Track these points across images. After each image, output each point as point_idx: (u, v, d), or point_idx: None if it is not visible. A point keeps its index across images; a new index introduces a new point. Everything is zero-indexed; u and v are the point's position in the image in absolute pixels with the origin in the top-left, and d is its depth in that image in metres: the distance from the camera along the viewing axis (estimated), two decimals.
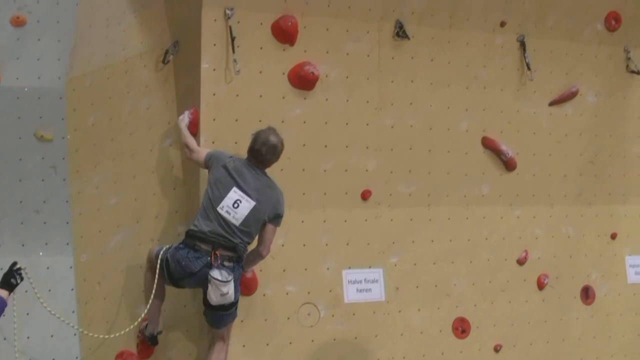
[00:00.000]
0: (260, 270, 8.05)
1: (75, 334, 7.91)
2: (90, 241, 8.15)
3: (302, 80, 8.36)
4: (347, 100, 8.62)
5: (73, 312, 7.96)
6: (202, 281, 7.39)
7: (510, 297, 9.30)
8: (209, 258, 7.35)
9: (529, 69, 9.43)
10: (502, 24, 9.28)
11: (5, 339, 7.47)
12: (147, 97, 8.35)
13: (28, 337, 7.71)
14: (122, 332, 7.65)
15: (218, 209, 7.43)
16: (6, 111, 7.97)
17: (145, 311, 7.66)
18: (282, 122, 8.20)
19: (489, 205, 9.27)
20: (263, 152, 7.56)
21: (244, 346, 8.14)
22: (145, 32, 8.40)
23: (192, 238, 7.45)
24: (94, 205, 8.18)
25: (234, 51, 8.04)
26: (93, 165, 8.21)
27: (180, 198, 8.30)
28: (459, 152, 9.12)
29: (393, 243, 8.79)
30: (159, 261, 7.53)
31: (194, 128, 7.96)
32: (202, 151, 7.76)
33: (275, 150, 7.60)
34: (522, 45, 9.41)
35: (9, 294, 6.91)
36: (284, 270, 8.26)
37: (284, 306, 8.29)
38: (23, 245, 7.96)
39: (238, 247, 7.44)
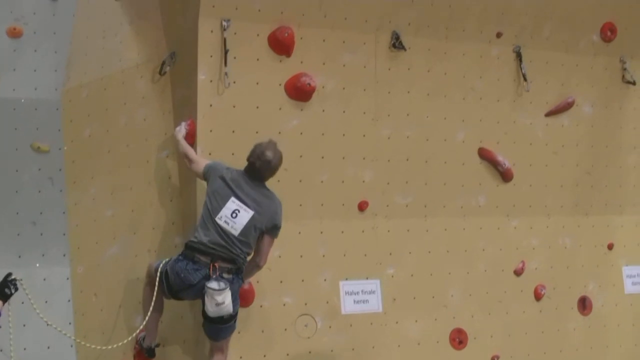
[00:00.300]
0: (257, 282, 8.04)
1: (71, 345, 7.89)
2: (86, 252, 8.14)
3: (299, 92, 8.37)
4: (344, 112, 8.62)
5: (70, 323, 7.95)
6: (200, 293, 7.37)
7: (507, 308, 9.29)
8: (208, 270, 7.34)
9: (525, 79, 9.45)
10: (498, 35, 9.30)
11: (1, 350, 7.44)
12: (143, 108, 8.35)
13: (25, 349, 7.69)
14: (120, 344, 7.61)
15: (216, 219, 7.42)
16: (2, 122, 7.98)
17: (144, 323, 7.62)
18: (279, 133, 8.20)
19: (486, 216, 9.27)
20: (257, 166, 7.55)
21: (241, 357, 8.13)
22: (142, 43, 8.41)
23: (191, 250, 7.43)
24: (90, 217, 8.17)
25: (225, 64, 8.04)
26: (90, 177, 8.20)
27: (177, 209, 8.29)
28: (455, 163, 9.12)
29: (390, 254, 8.79)
30: (158, 274, 7.50)
31: (190, 139, 7.96)
32: (201, 162, 7.75)
33: (269, 166, 7.56)
34: (518, 56, 9.43)
35: (3, 305, 6.90)
36: (281, 282, 8.25)
37: (281, 317, 8.27)
38: (19, 257, 7.95)
39: (237, 259, 7.43)
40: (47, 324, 7.39)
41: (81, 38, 8.28)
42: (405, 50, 8.83)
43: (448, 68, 9.09)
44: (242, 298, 7.95)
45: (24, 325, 7.62)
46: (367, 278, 8.66)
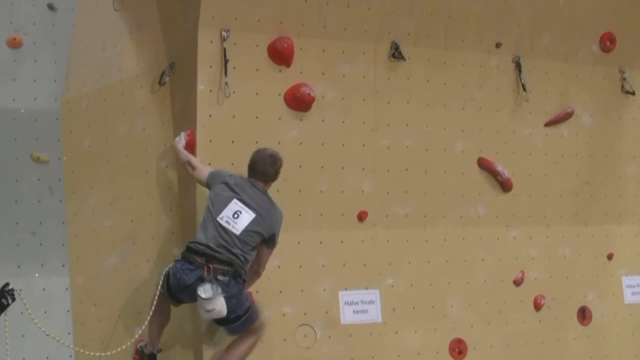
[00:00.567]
0: (257, 292, 8.02)
1: (70, 356, 7.88)
2: (86, 263, 8.13)
3: (298, 102, 8.37)
4: (343, 122, 8.63)
5: (69, 333, 7.94)
6: (193, 296, 7.36)
7: (506, 318, 9.28)
8: (202, 271, 7.32)
9: (524, 89, 9.45)
10: (498, 45, 9.31)
11: None
12: (143, 118, 8.36)
13: (24, 359, 7.68)
14: (119, 349, 7.53)
15: (218, 219, 7.39)
16: (2, 132, 7.98)
17: (145, 323, 7.53)
18: (279, 143, 8.20)
19: (485, 226, 9.27)
20: (261, 163, 7.59)
21: None
22: (141, 53, 8.42)
23: (189, 251, 7.40)
24: (90, 227, 8.17)
25: (226, 74, 8.05)
26: (89, 187, 8.20)
27: (177, 219, 8.29)
28: (455, 172, 9.13)
29: (389, 264, 8.78)
30: (162, 277, 7.47)
31: (190, 149, 7.96)
32: (204, 170, 7.74)
33: (274, 159, 7.62)
34: (518, 66, 9.44)
35: (0, 315, 6.89)
36: (280, 292, 8.24)
37: (280, 327, 8.26)
38: (19, 267, 7.95)
39: (234, 261, 7.36)
40: (45, 333, 7.37)
41: (81, 48, 8.29)
42: (404, 60, 8.84)
43: (447, 78, 9.10)
44: None
45: (23, 336, 7.61)
46: (366, 288, 8.65)
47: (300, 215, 8.35)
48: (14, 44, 8.10)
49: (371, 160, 8.73)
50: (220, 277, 7.31)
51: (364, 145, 8.71)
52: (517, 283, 9.39)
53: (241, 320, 7.47)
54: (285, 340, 8.29)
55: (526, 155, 9.54)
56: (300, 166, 8.41)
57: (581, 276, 9.77)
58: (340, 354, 8.51)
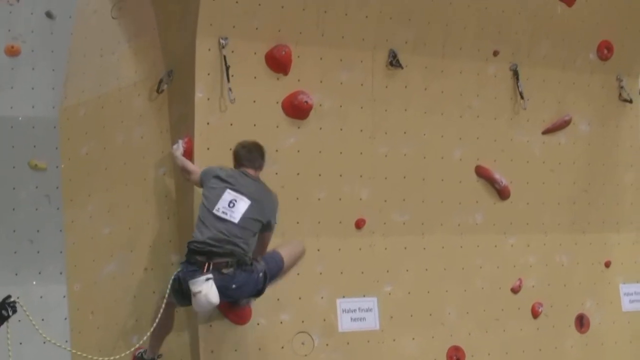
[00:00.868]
0: (255, 300, 8.02)
1: None
2: (83, 270, 8.14)
3: (296, 109, 8.38)
4: (341, 129, 8.63)
5: (66, 341, 7.94)
6: None
7: (504, 326, 9.27)
8: (203, 269, 7.22)
9: (522, 97, 9.47)
10: (495, 53, 9.33)
11: None
12: (141, 126, 8.37)
13: None
14: (122, 355, 7.49)
15: (214, 211, 7.35)
16: (0, 140, 7.99)
17: (148, 334, 7.53)
18: (276, 151, 8.21)
19: (483, 233, 9.27)
20: (248, 151, 7.62)
21: None
22: (140, 61, 8.44)
23: (190, 252, 7.34)
24: (87, 235, 8.18)
25: (228, 80, 8.06)
26: (87, 195, 8.21)
27: (174, 227, 8.29)
28: (452, 180, 9.13)
29: (387, 272, 8.78)
30: (170, 282, 7.38)
31: (188, 157, 7.95)
32: (197, 172, 7.74)
33: (260, 147, 7.67)
34: (515, 74, 9.45)
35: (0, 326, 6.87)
36: (277, 299, 8.23)
37: (278, 335, 8.25)
38: (16, 274, 7.96)
39: (235, 251, 7.28)
40: (47, 340, 7.30)
41: (79, 56, 8.32)
42: (402, 68, 8.85)
43: (445, 86, 9.11)
44: (239, 316, 7.96)
45: (21, 344, 7.60)
46: (364, 296, 8.64)
47: (297, 222, 8.35)
48: (12, 52, 8.13)
49: (369, 168, 8.73)
50: (224, 271, 7.24)
51: (361, 153, 8.72)
52: (515, 291, 9.39)
53: (266, 286, 7.49)
54: (282, 348, 8.28)
55: (524, 163, 9.55)
56: (298, 174, 8.41)
57: (579, 284, 9.77)
58: None
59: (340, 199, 8.61)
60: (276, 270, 7.58)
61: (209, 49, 8.04)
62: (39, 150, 8.13)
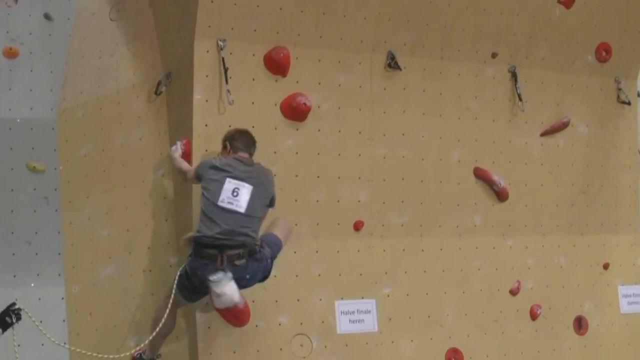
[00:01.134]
0: (253, 301, 8.01)
1: None
2: (82, 272, 8.14)
3: (295, 111, 8.38)
4: (340, 131, 8.63)
5: (65, 343, 7.91)
6: None
7: (503, 328, 9.27)
8: (216, 262, 7.24)
9: (520, 99, 9.47)
10: (494, 55, 9.34)
11: None
12: (139, 128, 8.36)
13: None
14: (122, 355, 7.48)
15: (219, 203, 7.33)
16: None
17: (154, 333, 7.53)
18: (275, 153, 8.22)
19: (482, 235, 9.27)
20: (240, 136, 7.66)
21: None
22: (138, 63, 8.44)
23: (198, 246, 7.33)
24: (85, 236, 8.17)
25: (227, 82, 8.06)
26: (85, 196, 8.21)
27: (173, 229, 8.28)
28: (451, 182, 9.13)
29: (385, 274, 8.78)
30: (177, 278, 7.38)
31: (186, 159, 7.95)
32: (191, 169, 7.75)
33: (249, 132, 7.71)
34: (514, 76, 9.46)
35: (2, 333, 6.84)
36: (276, 301, 8.23)
37: (276, 337, 8.25)
38: (14, 276, 7.96)
39: (246, 241, 7.31)
40: (52, 343, 7.27)
41: (77, 58, 8.32)
42: (400, 70, 8.86)
43: (443, 88, 9.12)
44: (237, 318, 7.95)
45: (19, 345, 7.56)
46: (362, 297, 8.64)
47: (296, 224, 8.33)
48: (10, 54, 8.13)
49: (367, 170, 8.73)
50: (237, 262, 7.26)
51: (360, 155, 8.72)
52: (514, 292, 9.38)
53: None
54: (281, 349, 8.27)
55: (522, 165, 9.55)
56: (296, 176, 8.41)
57: (577, 286, 9.77)
58: None
59: (338, 201, 8.61)
60: (277, 252, 7.68)
61: (207, 51, 8.05)
62: (37, 152, 8.12)
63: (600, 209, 9.99)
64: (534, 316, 9.44)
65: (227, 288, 7.14)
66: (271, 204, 7.68)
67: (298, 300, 8.37)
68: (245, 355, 8.11)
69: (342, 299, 8.56)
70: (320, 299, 8.47)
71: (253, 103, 8.22)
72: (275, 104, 8.35)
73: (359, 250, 8.68)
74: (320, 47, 8.53)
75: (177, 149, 7.95)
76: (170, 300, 7.40)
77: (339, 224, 8.60)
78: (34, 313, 7.55)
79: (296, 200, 8.39)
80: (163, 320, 7.37)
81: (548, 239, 9.65)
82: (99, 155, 8.26)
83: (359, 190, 8.70)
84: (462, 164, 9.23)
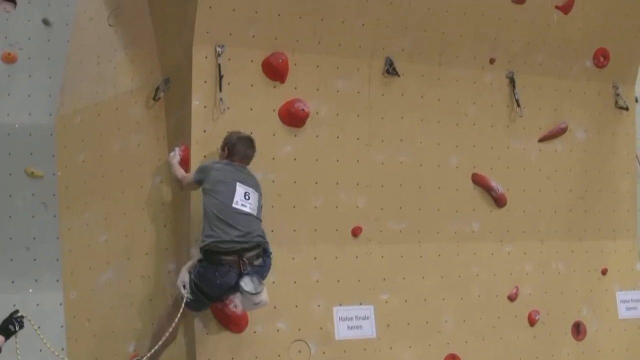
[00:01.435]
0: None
1: None
2: (80, 278, 8.14)
3: (293, 117, 8.38)
4: (338, 137, 8.63)
5: (62, 349, 7.94)
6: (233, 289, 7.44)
7: (501, 334, 9.27)
8: (238, 267, 7.31)
9: (518, 105, 9.48)
10: (492, 61, 9.34)
11: None
12: (137, 134, 8.36)
13: None
14: None
15: (233, 205, 7.38)
16: None
17: (162, 340, 7.54)
18: (273, 159, 8.22)
19: (480, 241, 9.27)
20: (242, 145, 7.67)
21: None
22: (136, 69, 8.44)
23: (213, 254, 7.34)
24: (84, 242, 8.18)
25: (220, 89, 8.06)
26: (83, 202, 8.21)
27: (171, 235, 8.28)
28: (449, 188, 9.13)
29: (384, 280, 8.77)
30: (185, 296, 7.40)
31: (184, 165, 7.96)
32: (189, 174, 7.77)
33: (252, 143, 7.73)
34: (512, 82, 9.46)
35: (5, 341, 6.83)
36: (274, 308, 8.21)
37: (274, 343, 8.24)
38: (13, 282, 7.96)
39: (261, 241, 7.47)
40: (53, 352, 7.27)
41: (75, 64, 8.32)
42: (398, 76, 8.86)
43: (441, 94, 9.12)
44: (235, 324, 7.95)
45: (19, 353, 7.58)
46: (360, 304, 8.63)
47: (294, 230, 8.35)
48: (9, 59, 8.14)
49: (365, 176, 8.73)
50: (256, 263, 7.41)
51: (358, 161, 8.72)
52: (512, 298, 9.38)
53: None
54: (279, 356, 8.26)
55: (520, 170, 9.55)
56: (294, 182, 8.41)
57: (575, 291, 9.77)
58: None
59: (336, 207, 8.60)
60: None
61: (206, 57, 8.05)
62: (36, 158, 8.13)
63: (598, 215, 10.00)
64: (532, 322, 9.44)
65: (264, 294, 7.37)
66: None
67: (296, 306, 8.36)
68: None
69: (340, 305, 8.56)
70: (319, 305, 8.46)
71: (251, 109, 8.22)
72: (274, 110, 8.35)
73: (357, 257, 8.68)
74: (319, 53, 8.53)
75: (176, 155, 7.95)
76: (179, 311, 7.42)
77: (337, 230, 8.60)
78: (32, 319, 7.57)
79: (294, 207, 8.39)
80: (170, 329, 7.43)
81: (546, 245, 9.65)
82: (97, 161, 8.26)
83: (357, 196, 8.70)
84: (460, 170, 9.23)
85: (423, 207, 9.00)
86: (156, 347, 7.44)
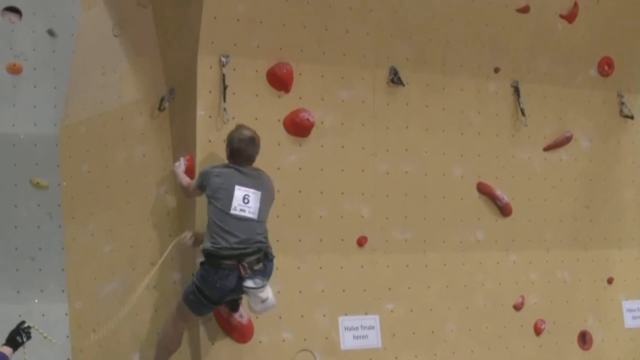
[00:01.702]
0: (257, 317, 7.99)
1: None
2: (85, 288, 8.13)
3: (298, 127, 8.39)
4: (343, 147, 8.64)
5: (68, 359, 7.92)
6: (241, 291, 7.42)
7: (507, 343, 9.25)
8: (238, 271, 7.29)
9: (523, 114, 9.47)
10: (496, 70, 9.35)
11: None
12: (142, 144, 8.37)
13: None
14: None
15: (231, 212, 7.36)
16: (2, 158, 8.03)
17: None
18: (278, 169, 8.21)
19: (485, 250, 9.26)
20: (243, 148, 7.54)
21: None
22: (141, 79, 8.45)
23: (213, 257, 7.34)
24: (89, 252, 8.18)
25: (224, 100, 8.06)
26: (88, 213, 8.21)
27: (176, 245, 8.26)
28: (454, 197, 9.12)
29: (389, 289, 8.76)
30: (185, 296, 7.46)
31: (189, 174, 7.95)
32: (192, 181, 7.75)
33: (254, 142, 7.59)
34: (516, 91, 9.47)
35: (13, 352, 6.83)
36: (280, 317, 8.21)
37: (280, 353, 8.23)
38: (18, 292, 7.96)
39: (261, 246, 7.42)
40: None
41: (80, 74, 8.33)
42: (403, 85, 8.87)
43: (446, 103, 9.12)
44: (241, 333, 7.94)
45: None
46: (366, 313, 8.63)
47: (299, 240, 8.35)
48: (14, 70, 8.15)
49: (370, 186, 8.73)
50: (256, 267, 7.36)
51: (363, 171, 8.72)
52: (517, 308, 9.37)
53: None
54: None
55: (525, 179, 9.54)
56: (299, 191, 8.41)
57: (581, 300, 9.75)
58: None
59: (341, 217, 8.60)
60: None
61: (211, 67, 8.06)
62: (41, 168, 8.14)
63: (603, 224, 9.98)
64: (538, 331, 9.42)
65: (269, 292, 7.34)
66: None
67: (302, 316, 8.35)
68: None
69: (345, 314, 8.55)
70: (324, 315, 8.45)
71: (256, 119, 8.22)
72: (279, 120, 8.36)
73: (362, 266, 8.67)
74: (323, 63, 8.54)
75: (181, 165, 7.95)
76: (183, 315, 7.43)
77: (342, 239, 8.60)
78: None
79: (299, 216, 8.39)
80: (173, 337, 7.51)
81: (552, 254, 9.63)
82: (102, 171, 8.27)
83: (362, 205, 8.69)
84: (465, 179, 9.22)
85: (428, 216, 8.99)
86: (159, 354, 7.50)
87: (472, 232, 9.22)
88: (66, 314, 8.07)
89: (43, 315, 7.95)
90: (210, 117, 8.05)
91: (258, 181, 7.56)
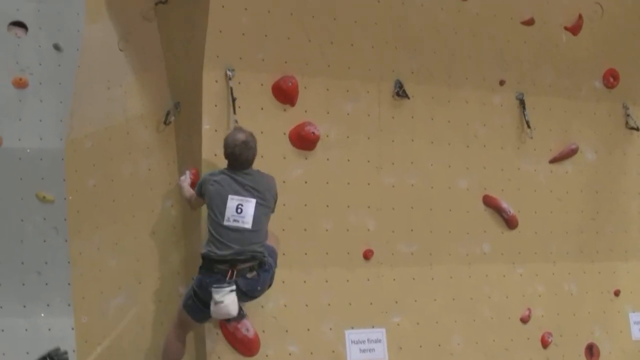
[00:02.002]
0: (263, 331, 8.00)
1: None
2: (91, 302, 8.13)
3: (303, 140, 8.39)
4: (348, 160, 8.63)
5: None
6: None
7: (514, 356, 9.22)
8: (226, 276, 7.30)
9: (528, 126, 9.47)
10: (501, 83, 9.35)
11: None
12: (148, 158, 8.38)
13: None
14: None
15: (225, 223, 7.34)
16: (8, 172, 8.04)
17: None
18: (284, 182, 8.20)
19: (491, 263, 9.24)
20: (237, 152, 7.48)
21: None
22: (147, 93, 8.47)
23: (208, 261, 7.35)
24: (95, 267, 8.18)
25: (234, 112, 8.08)
26: (94, 227, 8.22)
27: (182, 259, 8.27)
28: (460, 210, 9.11)
29: (395, 302, 8.74)
30: (184, 300, 7.48)
31: (194, 189, 7.95)
32: (195, 192, 7.74)
33: (248, 145, 7.50)
34: (521, 103, 9.46)
35: None
36: (286, 331, 8.20)
37: None
38: (24, 306, 7.96)
39: (256, 254, 7.38)
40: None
41: (86, 88, 8.35)
42: (408, 98, 8.87)
43: (451, 116, 9.12)
44: (247, 347, 7.93)
45: None
46: (372, 327, 8.61)
47: (305, 254, 8.34)
48: (20, 84, 8.17)
49: (376, 199, 8.72)
50: (249, 275, 7.36)
51: (368, 184, 8.71)
52: (524, 320, 9.34)
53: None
54: None
55: (531, 192, 9.53)
56: (305, 205, 8.40)
57: (588, 313, 9.72)
58: None
59: (347, 230, 8.59)
60: (276, 261, 7.73)
61: (216, 81, 8.07)
62: (47, 182, 8.14)
63: (609, 236, 9.96)
64: (545, 344, 9.39)
65: (227, 297, 7.21)
66: (273, 209, 7.69)
67: (308, 329, 8.34)
68: None
69: (352, 328, 8.53)
70: (330, 329, 8.43)
71: (262, 132, 8.20)
72: (284, 133, 8.36)
73: (368, 279, 8.65)
74: (328, 76, 8.55)
75: (186, 179, 7.96)
76: (175, 321, 7.44)
77: (348, 253, 8.58)
78: (44, 344, 7.59)
79: (305, 230, 8.38)
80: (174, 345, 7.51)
81: (558, 266, 9.61)
82: (108, 185, 8.27)
83: (368, 219, 8.68)
84: (471, 192, 9.21)
85: (434, 229, 8.98)
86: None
87: (478, 244, 9.21)
88: (72, 328, 8.07)
89: (49, 329, 7.95)
90: (216, 130, 8.05)
91: (254, 186, 7.50)
